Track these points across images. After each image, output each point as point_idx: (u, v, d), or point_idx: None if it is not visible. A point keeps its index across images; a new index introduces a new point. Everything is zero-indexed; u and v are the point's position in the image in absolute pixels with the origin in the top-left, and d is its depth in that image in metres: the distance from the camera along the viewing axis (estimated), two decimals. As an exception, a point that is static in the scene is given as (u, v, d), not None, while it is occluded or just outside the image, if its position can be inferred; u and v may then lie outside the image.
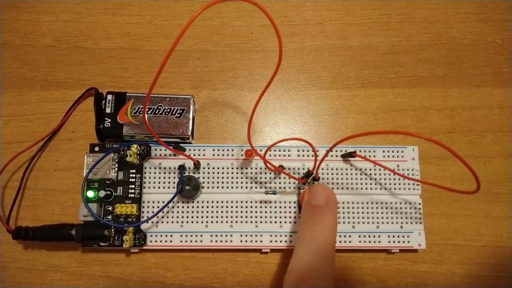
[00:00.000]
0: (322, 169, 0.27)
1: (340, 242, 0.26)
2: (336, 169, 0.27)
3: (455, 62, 0.31)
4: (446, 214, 0.28)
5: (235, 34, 0.31)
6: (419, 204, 0.27)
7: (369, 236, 0.26)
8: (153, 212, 0.26)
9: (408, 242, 0.26)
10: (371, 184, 0.27)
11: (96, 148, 0.27)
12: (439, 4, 0.32)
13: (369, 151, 0.27)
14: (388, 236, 0.26)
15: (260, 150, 0.27)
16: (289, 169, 0.27)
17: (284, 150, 0.27)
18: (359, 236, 0.26)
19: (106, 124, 0.27)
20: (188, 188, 0.26)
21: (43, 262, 0.27)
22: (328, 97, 0.30)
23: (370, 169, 0.27)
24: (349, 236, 0.26)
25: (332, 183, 0.27)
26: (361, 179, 0.27)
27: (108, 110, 0.27)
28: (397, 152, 0.28)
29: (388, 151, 0.28)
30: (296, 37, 0.31)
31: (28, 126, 0.29)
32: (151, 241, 0.26)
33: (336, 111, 0.30)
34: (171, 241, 0.26)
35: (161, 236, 0.26)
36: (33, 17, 0.31)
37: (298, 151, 0.27)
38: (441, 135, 0.30)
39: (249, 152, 0.25)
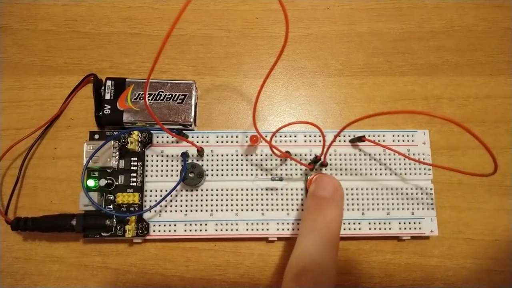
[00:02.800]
0: (330, 154, 0.29)
1: (349, 229, 0.28)
2: (345, 155, 0.29)
3: (468, 49, 0.34)
4: (457, 207, 0.30)
5: (239, 19, 0.33)
6: (431, 189, 0.29)
7: (379, 223, 0.28)
8: (155, 201, 0.28)
9: (420, 228, 0.28)
10: (380, 169, 0.29)
11: (96, 136, 0.29)
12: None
13: (378, 136, 0.30)
14: (399, 223, 0.28)
15: (266, 136, 0.30)
16: (295, 155, 0.29)
17: (290, 136, 0.30)
18: (369, 223, 0.28)
19: (106, 111, 0.29)
20: (191, 175, 0.28)
21: (41, 253, 0.29)
22: (336, 84, 0.33)
23: (379, 154, 0.29)
24: (359, 223, 0.28)
25: (341, 169, 0.29)
26: (370, 164, 0.29)
27: (107, 97, 0.29)
28: (407, 136, 0.30)
29: (398, 135, 0.30)
30: (302, 23, 0.34)
31: (26, 113, 0.31)
32: (154, 231, 0.28)
33: (344, 100, 0.32)
34: (175, 231, 0.28)
35: (164, 225, 0.28)
36: (31, 0, 0.33)
37: (305, 136, 0.30)
38: (452, 125, 0.31)
39: (254, 138, 0.28)
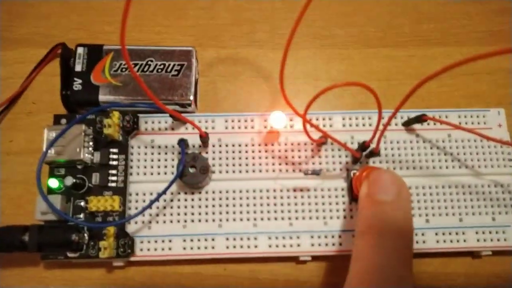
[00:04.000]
0: (379, 142, 0.23)
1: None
2: (397, 142, 0.23)
3: (539, 13, 0.28)
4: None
5: (250, -22, 0.28)
6: (515, 185, 0.23)
7: (450, 234, 0.22)
8: (143, 207, 0.21)
9: (505, 239, 0.22)
10: (446, 160, 0.23)
11: (63, 120, 0.23)
12: None
13: (439, 117, 0.23)
14: (476, 233, 0.22)
15: (291, 120, 0.23)
16: (332, 144, 0.23)
17: (323, 119, 0.23)
18: (436, 234, 0.21)
19: (76, 87, 0.23)
20: (192, 171, 0.21)
21: (-17, 283, 0.22)
22: (376, 57, 0.27)
23: (443, 141, 0.23)
24: (422, 235, 0.21)
25: (393, 161, 0.22)
26: (432, 154, 0.23)
27: (78, 68, 0.23)
28: (477, 117, 0.24)
29: (465, 116, 0.24)
30: (330, -18, 0.28)
31: (-28, 95, 0.25)
32: (141, 249, 0.21)
33: (387, 76, 0.27)
34: (170, 249, 0.21)
35: (156, 241, 0.21)
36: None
37: (344, 119, 0.23)
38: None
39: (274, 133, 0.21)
